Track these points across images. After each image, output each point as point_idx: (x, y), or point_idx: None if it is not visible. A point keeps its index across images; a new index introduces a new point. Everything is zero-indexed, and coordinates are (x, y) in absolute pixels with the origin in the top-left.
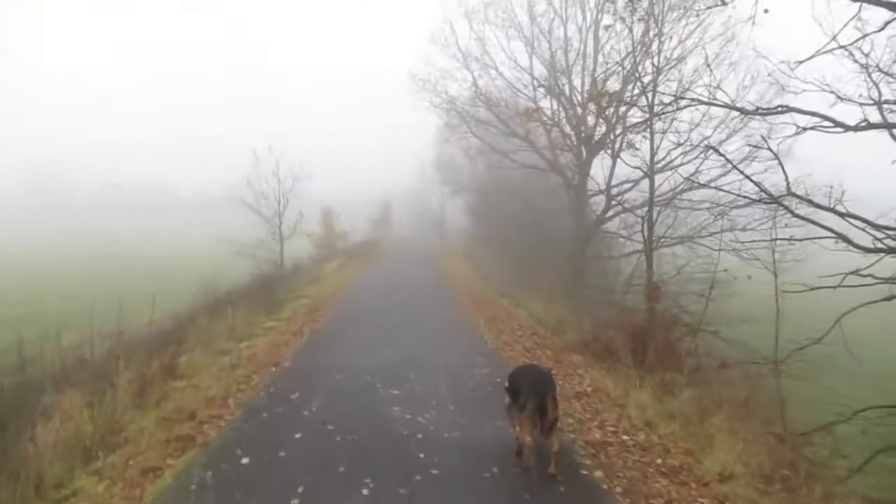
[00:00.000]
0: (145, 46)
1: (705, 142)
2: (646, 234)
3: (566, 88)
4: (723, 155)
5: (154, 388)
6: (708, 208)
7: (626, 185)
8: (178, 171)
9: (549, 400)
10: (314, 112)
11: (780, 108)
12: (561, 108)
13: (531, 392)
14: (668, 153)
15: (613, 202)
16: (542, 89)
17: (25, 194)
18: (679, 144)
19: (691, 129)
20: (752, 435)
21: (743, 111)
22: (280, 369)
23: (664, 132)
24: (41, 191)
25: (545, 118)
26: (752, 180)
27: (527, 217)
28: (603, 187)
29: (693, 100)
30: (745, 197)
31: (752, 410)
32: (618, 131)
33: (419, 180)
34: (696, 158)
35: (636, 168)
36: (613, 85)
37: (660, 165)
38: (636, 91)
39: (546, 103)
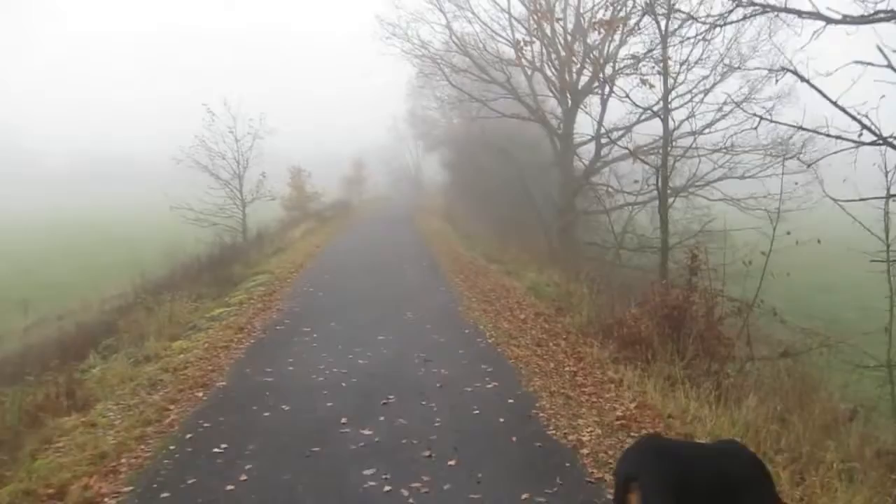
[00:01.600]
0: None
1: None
2: (660, 184)
3: (547, 29)
4: (804, 79)
5: (36, 430)
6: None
7: (617, 133)
8: (133, 136)
9: None
10: (278, 71)
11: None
12: (544, 50)
13: None
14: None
15: (604, 151)
16: (522, 31)
17: None
18: (703, 78)
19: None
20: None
21: (830, 20)
22: (210, 394)
23: (687, 63)
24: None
25: (525, 62)
26: (850, 114)
27: (509, 171)
28: (592, 135)
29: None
30: (841, 138)
31: (863, 432)
32: (607, 71)
33: (392, 136)
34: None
35: (645, 109)
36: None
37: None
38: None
39: (526, 47)
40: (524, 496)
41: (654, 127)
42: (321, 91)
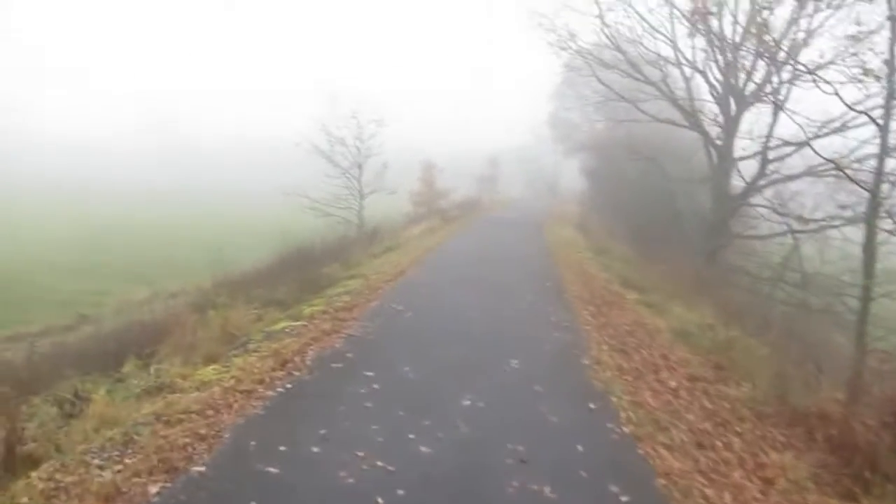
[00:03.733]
0: None
1: None
2: (869, 210)
3: (714, 24)
4: None
5: None
6: None
7: (788, 148)
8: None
9: None
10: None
11: None
12: (708, 48)
13: None
14: None
15: (770, 167)
16: (684, 26)
17: (139, 141)
18: None
19: None
20: None
21: None
22: (169, 491)
23: None
24: (155, 139)
25: (684, 61)
26: None
27: (655, 183)
28: (758, 148)
29: None
30: None
31: None
32: (783, 74)
33: (532, 137)
34: None
35: (859, 112)
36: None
37: None
38: None
39: (686, 42)
40: None
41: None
42: (456, 85)
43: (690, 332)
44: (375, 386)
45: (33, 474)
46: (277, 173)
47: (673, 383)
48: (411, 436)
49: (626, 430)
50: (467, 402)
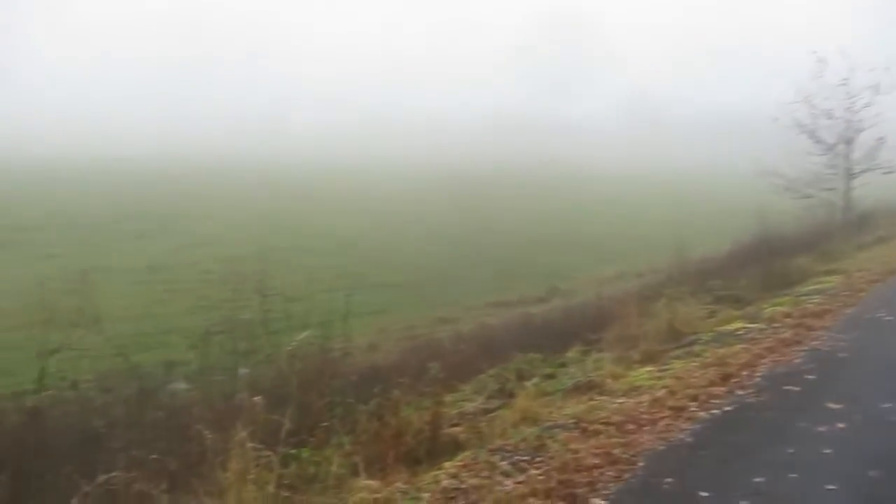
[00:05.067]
0: None
1: None
2: None
3: None
4: None
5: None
6: None
7: None
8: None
9: None
10: None
11: None
12: None
13: None
14: None
15: None
16: None
17: (618, 121)
18: None
19: None
20: None
21: None
22: None
23: None
24: (635, 118)
25: None
26: None
27: None
28: None
29: None
30: None
31: None
32: None
33: None
34: None
35: None
36: None
37: None
38: None
39: None
40: None
41: None
42: None
43: None
44: (840, 425)
45: (446, 464)
46: (753, 148)
47: None
48: None
49: None
50: None
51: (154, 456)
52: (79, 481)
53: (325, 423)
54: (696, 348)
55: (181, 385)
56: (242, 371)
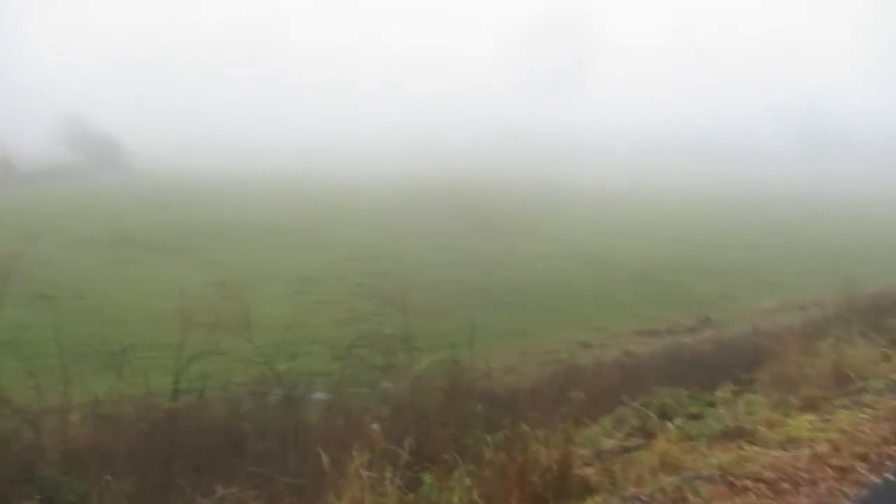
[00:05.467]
0: None
1: None
2: None
3: None
4: None
5: None
6: None
7: None
8: None
9: None
10: None
11: None
12: None
13: None
14: None
15: None
16: None
17: (782, 141)
18: None
19: None
20: None
21: None
22: None
23: None
24: (800, 137)
25: None
26: None
27: None
28: None
29: None
30: None
31: None
32: None
33: None
34: None
35: None
36: None
37: None
38: None
39: None
40: None
41: None
42: None
43: None
44: None
45: None
46: None
47: None
48: None
49: None
50: None
51: (273, 474)
52: (195, 496)
53: (447, 455)
54: (867, 397)
55: (321, 395)
56: (383, 385)
